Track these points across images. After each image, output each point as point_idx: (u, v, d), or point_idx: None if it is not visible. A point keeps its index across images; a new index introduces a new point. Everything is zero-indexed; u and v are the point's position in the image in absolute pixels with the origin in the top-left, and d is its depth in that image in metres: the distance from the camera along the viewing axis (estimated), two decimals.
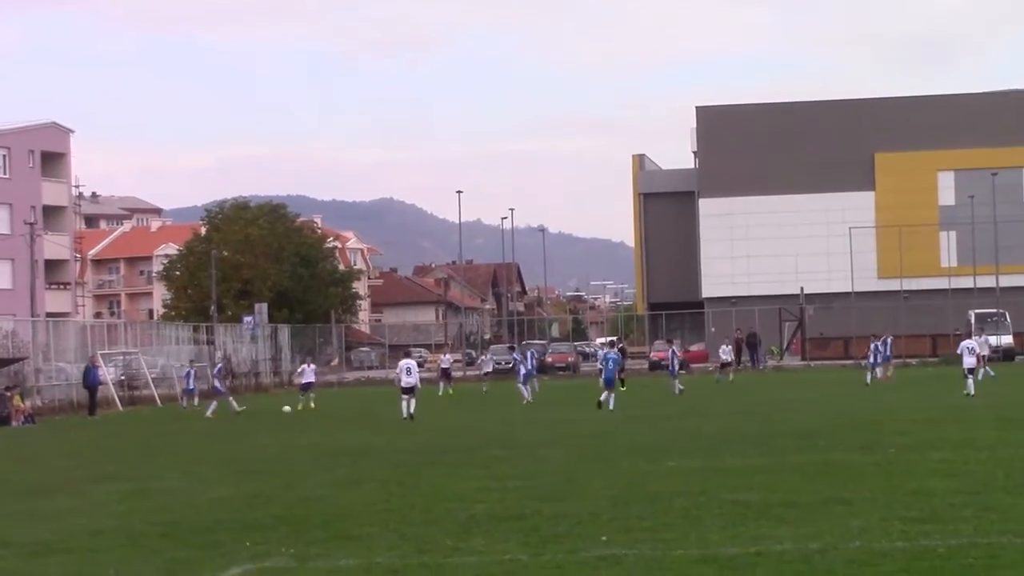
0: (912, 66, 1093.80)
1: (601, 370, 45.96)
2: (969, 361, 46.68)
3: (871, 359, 59.55)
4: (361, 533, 17.38)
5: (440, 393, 61.35)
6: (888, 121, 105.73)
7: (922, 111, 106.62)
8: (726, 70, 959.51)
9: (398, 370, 45.15)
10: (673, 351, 58.00)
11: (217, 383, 53.59)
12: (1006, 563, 13.62)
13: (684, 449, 27.88)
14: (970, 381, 45.22)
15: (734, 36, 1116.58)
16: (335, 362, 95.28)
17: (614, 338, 52.86)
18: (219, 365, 59.19)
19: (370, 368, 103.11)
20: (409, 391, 43.35)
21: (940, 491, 19.28)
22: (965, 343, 49.27)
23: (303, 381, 54.36)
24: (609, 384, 43.94)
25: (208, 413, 50.48)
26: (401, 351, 71.45)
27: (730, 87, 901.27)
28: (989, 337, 70.92)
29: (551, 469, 24.65)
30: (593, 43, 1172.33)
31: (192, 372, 59.82)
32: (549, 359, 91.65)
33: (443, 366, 67.56)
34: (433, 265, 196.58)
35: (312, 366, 56.92)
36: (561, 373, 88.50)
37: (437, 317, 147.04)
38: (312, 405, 52.21)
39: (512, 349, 58.43)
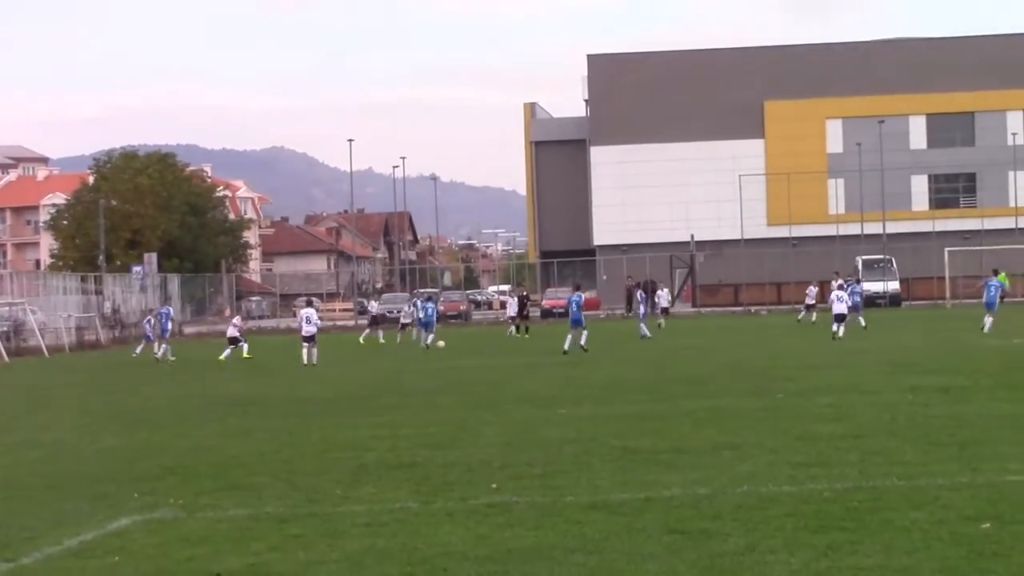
0: (800, 15, 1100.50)
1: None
2: (839, 308, 49.22)
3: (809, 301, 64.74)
4: (251, 483, 17.28)
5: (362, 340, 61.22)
6: (777, 69, 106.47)
7: (810, 59, 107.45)
8: (617, 18, 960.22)
9: (299, 319, 45.44)
10: (641, 294, 59.87)
11: (148, 329, 54.03)
12: (889, 505, 13.79)
13: (575, 396, 27.96)
14: (840, 327, 48.05)
15: None
16: (227, 312, 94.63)
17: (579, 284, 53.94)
18: (161, 310, 58.51)
19: (260, 317, 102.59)
20: (309, 339, 44.11)
21: (826, 435, 19.50)
22: (835, 292, 51.67)
23: (229, 335, 53.17)
24: (576, 324, 45.24)
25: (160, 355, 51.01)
26: (292, 300, 71.04)
27: (621, 35, 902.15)
28: (865, 284, 71.67)
29: (442, 417, 24.64)
30: None
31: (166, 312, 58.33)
32: (441, 307, 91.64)
33: (373, 312, 66.89)
34: (324, 214, 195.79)
35: (237, 318, 56.26)
36: (453, 321, 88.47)
37: (329, 266, 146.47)
38: (245, 355, 50.64)
39: (431, 299, 58.18)
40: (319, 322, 47.41)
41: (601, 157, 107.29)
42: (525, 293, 71.36)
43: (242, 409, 28.36)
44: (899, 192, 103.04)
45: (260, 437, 22.58)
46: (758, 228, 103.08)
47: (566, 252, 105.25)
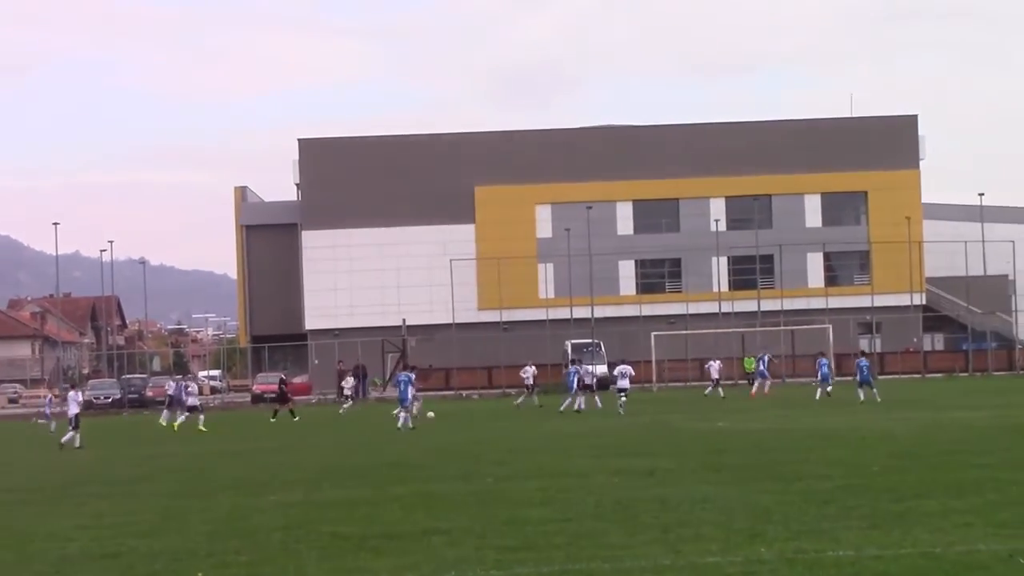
0: (510, 100, 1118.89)
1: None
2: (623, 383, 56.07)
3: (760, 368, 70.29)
4: None
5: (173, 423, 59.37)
6: (488, 154, 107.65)
7: (521, 145, 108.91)
8: (329, 102, 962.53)
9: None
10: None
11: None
12: None
13: (285, 482, 27.72)
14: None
15: (335, 67, 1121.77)
16: None
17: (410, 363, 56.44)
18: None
19: None
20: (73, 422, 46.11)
21: (535, 519, 19.66)
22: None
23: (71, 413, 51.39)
24: (403, 403, 48.37)
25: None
26: None
27: (333, 119, 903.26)
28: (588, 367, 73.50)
29: (148, 506, 24.16)
30: (198, 74, 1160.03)
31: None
32: (150, 393, 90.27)
33: (169, 393, 64.43)
34: (29, 298, 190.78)
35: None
36: (162, 407, 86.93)
37: (33, 352, 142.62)
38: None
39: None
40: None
41: (313, 241, 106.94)
42: (283, 377, 70.15)
43: None
44: (607, 277, 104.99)
45: None
46: (469, 312, 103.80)
47: (277, 336, 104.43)
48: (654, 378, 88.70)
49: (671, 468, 27.33)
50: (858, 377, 57.08)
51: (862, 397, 55.36)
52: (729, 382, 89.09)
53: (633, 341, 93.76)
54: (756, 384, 70.71)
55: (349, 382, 71.87)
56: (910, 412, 46.40)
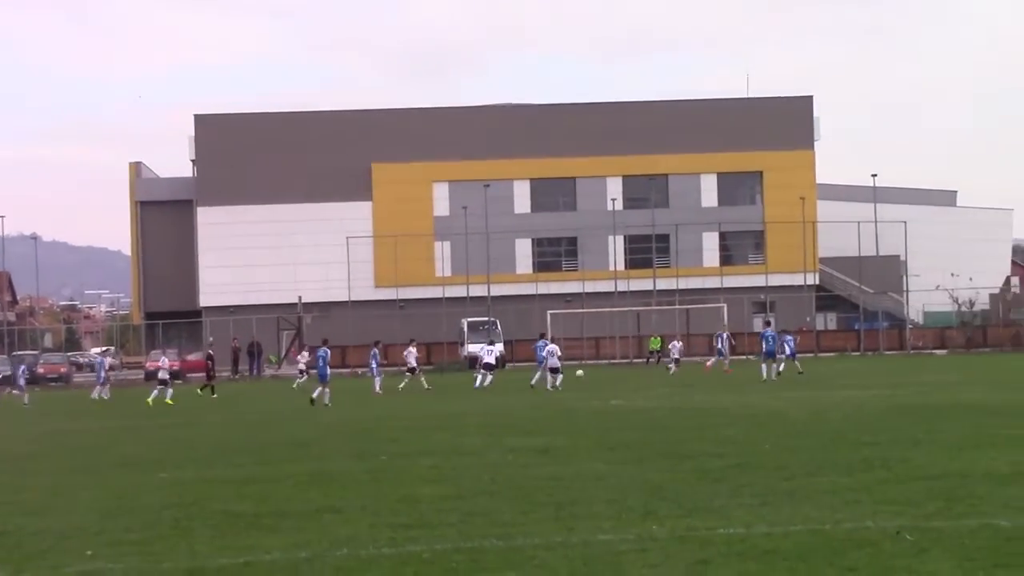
0: (413, 78, 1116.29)
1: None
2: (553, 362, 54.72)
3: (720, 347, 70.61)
4: None
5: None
6: (385, 132, 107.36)
7: (418, 123, 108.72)
8: (226, 78, 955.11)
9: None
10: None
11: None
12: (488, 566, 13.98)
13: (178, 460, 27.52)
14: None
15: (235, 43, 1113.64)
16: None
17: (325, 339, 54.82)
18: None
19: None
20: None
21: (428, 497, 19.66)
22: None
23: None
24: (323, 379, 49.21)
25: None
26: None
27: (230, 95, 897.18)
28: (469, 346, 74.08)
29: (37, 483, 23.89)
30: (93, 49, 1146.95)
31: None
32: (41, 370, 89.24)
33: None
34: None
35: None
36: (53, 384, 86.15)
37: None
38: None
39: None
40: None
41: (208, 218, 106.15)
42: (211, 353, 68.91)
43: None
44: (504, 255, 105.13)
45: None
46: (366, 290, 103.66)
47: (172, 314, 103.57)
48: None
49: (565, 446, 27.41)
50: (769, 350, 57.14)
51: (778, 369, 56.93)
52: (624, 360, 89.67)
53: (529, 319, 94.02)
54: (713, 360, 71.56)
55: (304, 356, 70.96)
56: (802, 391, 46.83)
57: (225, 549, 15.69)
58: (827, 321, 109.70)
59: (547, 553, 14.53)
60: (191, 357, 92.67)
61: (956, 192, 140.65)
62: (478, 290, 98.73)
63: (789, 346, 61.96)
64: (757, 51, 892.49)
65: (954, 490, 18.24)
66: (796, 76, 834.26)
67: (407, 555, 14.79)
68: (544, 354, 56.19)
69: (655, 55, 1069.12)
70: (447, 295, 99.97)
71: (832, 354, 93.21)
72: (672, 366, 69.54)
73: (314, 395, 49.15)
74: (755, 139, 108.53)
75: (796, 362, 60.83)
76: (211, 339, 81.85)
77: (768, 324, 63.12)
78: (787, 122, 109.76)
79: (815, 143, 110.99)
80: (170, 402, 53.42)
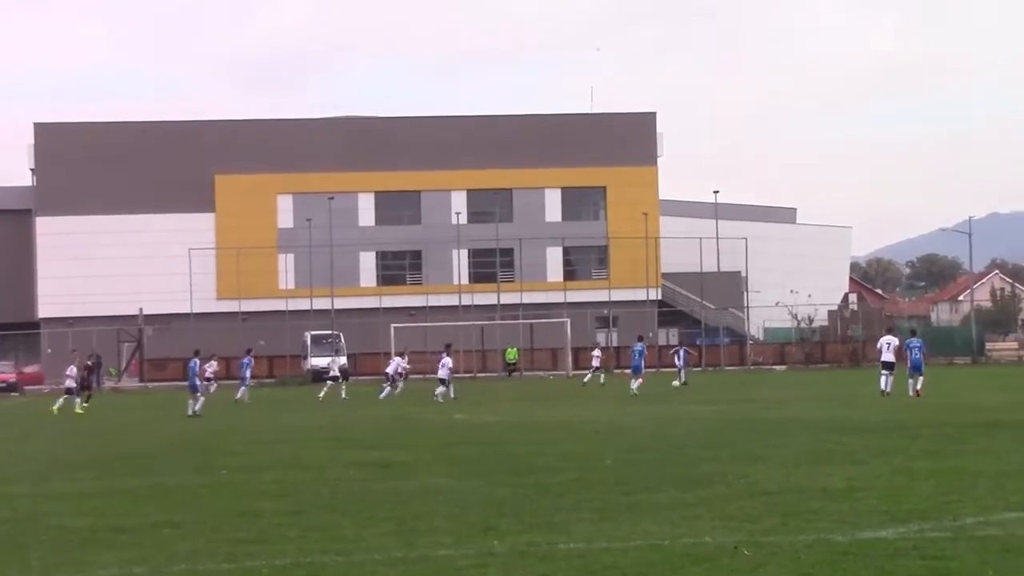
0: (257, 88, 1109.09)
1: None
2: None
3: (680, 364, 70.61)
4: None
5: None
6: (228, 143, 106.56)
7: (262, 134, 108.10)
8: (66, 85, 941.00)
9: None
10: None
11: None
12: None
13: (11, 474, 27.04)
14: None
15: (72, 50, 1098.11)
16: None
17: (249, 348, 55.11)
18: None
19: None
20: None
21: (268, 512, 19.50)
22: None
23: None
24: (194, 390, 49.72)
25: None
26: None
27: (71, 103, 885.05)
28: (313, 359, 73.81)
29: None
30: None
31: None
32: None
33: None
34: None
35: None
36: None
37: None
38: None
39: None
40: None
41: (47, 228, 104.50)
42: (88, 364, 66.29)
43: None
44: (348, 268, 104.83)
45: None
46: (208, 302, 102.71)
47: (8, 325, 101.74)
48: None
49: (407, 460, 27.37)
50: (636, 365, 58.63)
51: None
52: (467, 375, 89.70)
53: (373, 333, 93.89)
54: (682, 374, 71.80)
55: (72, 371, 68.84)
56: (643, 406, 47.23)
57: (60, 565, 15.44)
58: (669, 336, 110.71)
59: (387, 569, 14.48)
60: (28, 369, 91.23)
61: (796, 210, 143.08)
62: (322, 303, 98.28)
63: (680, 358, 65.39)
64: (602, 67, 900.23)
65: (791, 505, 18.48)
66: (640, 93, 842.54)
67: (246, 570, 14.67)
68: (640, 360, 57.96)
69: (500, 70, 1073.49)
70: (291, 308, 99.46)
71: (674, 369, 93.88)
72: (588, 376, 69.06)
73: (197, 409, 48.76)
74: (599, 155, 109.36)
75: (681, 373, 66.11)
76: (49, 351, 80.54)
77: (641, 339, 63.60)
78: (631, 138, 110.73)
79: (658, 159, 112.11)
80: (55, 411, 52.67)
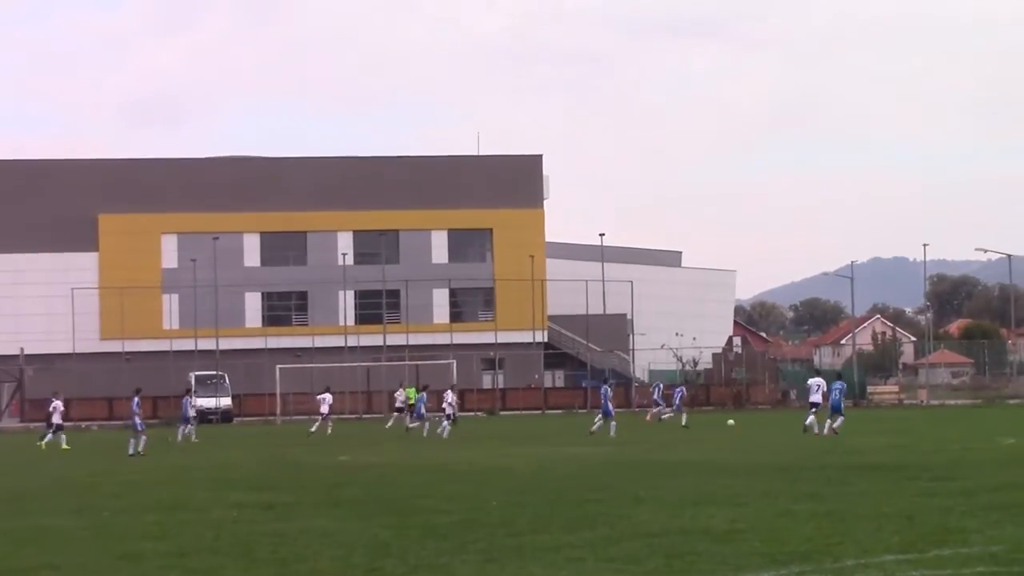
0: (141, 128, 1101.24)
1: None
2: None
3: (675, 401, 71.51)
4: None
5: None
6: (112, 182, 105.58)
7: (146, 173, 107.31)
8: None
9: None
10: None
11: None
12: None
13: None
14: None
15: None
16: None
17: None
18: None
19: None
20: None
21: (150, 554, 19.27)
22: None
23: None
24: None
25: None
26: None
27: None
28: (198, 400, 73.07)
29: None
30: None
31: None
32: None
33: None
34: None
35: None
36: None
37: None
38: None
39: None
40: None
41: None
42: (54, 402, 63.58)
43: None
44: (233, 309, 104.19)
45: None
46: (91, 342, 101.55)
47: None
48: (278, 411, 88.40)
49: (291, 502, 27.19)
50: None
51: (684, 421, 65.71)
52: (354, 416, 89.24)
53: (259, 373, 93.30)
54: (655, 411, 75.37)
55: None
56: (529, 447, 47.29)
57: None
58: (555, 378, 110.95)
59: None
60: None
61: (681, 253, 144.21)
62: (207, 343, 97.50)
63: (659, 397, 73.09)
64: (487, 109, 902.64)
65: (674, 547, 18.55)
66: (526, 135, 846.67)
67: None
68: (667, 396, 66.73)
69: (381, 110, 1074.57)
70: (175, 348, 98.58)
71: (559, 411, 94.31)
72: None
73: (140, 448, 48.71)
74: (485, 197, 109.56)
75: (683, 414, 68.24)
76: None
77: (606, 381, 66.64)
78: (517, 180, 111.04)
79: (544, 202, 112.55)
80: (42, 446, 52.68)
